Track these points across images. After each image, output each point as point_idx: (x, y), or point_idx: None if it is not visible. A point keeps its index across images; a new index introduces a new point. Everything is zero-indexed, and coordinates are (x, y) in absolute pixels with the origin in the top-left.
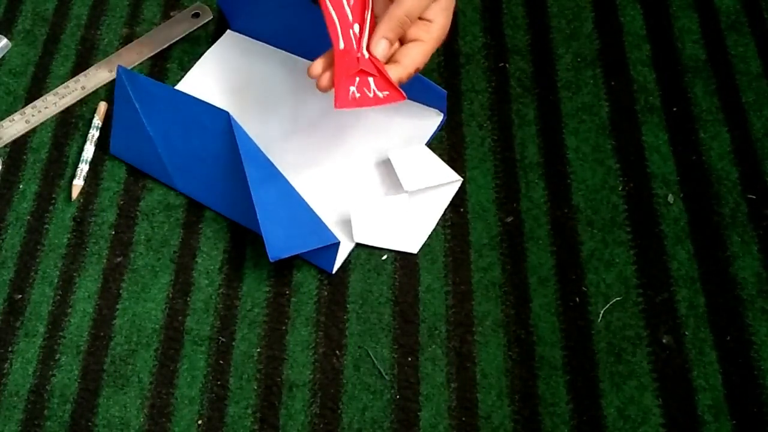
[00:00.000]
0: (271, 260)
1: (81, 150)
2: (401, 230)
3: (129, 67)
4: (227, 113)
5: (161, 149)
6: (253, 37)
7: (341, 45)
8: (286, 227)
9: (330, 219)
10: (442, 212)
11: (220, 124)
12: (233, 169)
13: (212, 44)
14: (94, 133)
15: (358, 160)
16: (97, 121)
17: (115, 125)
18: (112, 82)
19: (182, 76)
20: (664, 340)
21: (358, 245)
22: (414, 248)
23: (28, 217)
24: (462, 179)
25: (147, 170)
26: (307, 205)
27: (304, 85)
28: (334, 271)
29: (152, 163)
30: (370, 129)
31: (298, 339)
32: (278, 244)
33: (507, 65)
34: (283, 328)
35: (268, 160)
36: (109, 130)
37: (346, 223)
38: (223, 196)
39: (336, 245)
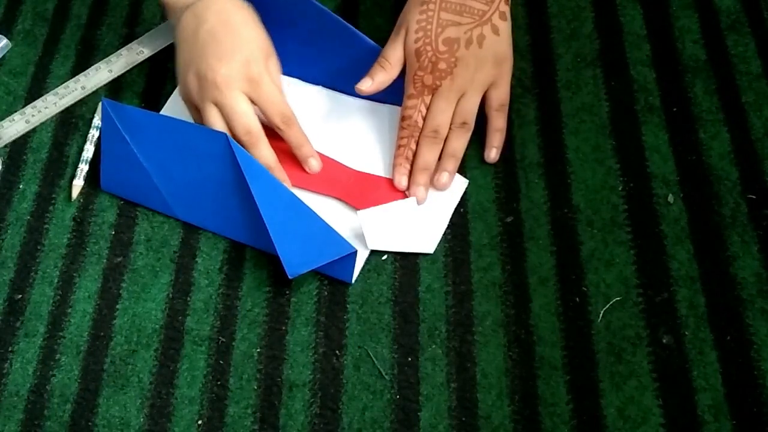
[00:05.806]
0: (289, 277)
1: (81, 150)
2: (414, 232)
3: (129, 67)
4: (224, 134)
5: (157, 179)
6: None
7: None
8: (300, 242)
9: (341, 228)
10: (452, 212)
11: (217, 147)
12: (237, 191)
13: None
14: (94, 133)
15: (363, 165)
16: (97, 121)
17: (104, 160)
18: (113, 82)
19: None
20: (664, 340)
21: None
22: (430, 249)
23: (28, 217)
24: (468, 181)
25: (143, 202)
26: (319, 217)
27: (295, 95)
28: (353, 281)
29: (149, 194)
30: (371, 135)
31: (298, 339)
32: (295, 261)
33: None
34: (283, 328)
35: (272, 176)
36: None
37: (358, 231)
38: (229, 220)
39: (354, 254)
